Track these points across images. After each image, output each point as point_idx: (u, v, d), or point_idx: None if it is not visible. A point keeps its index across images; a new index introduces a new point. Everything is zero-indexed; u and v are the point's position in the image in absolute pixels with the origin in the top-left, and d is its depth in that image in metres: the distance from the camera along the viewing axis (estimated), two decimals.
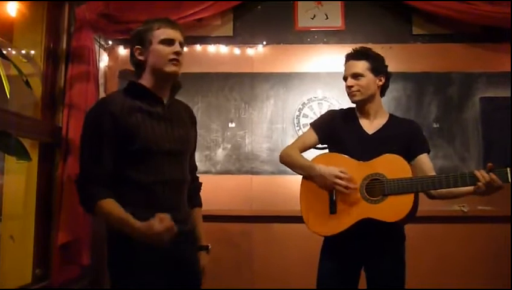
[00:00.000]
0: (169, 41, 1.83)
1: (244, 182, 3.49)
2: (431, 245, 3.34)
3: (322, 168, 2.14)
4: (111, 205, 1.69)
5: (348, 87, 2.22)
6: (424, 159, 2.19)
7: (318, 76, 3.56)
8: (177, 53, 1.83)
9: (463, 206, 3.32)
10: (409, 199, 1.99)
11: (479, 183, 1.88)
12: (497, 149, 3.41)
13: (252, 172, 3.50)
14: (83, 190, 1.74)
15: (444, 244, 3.35)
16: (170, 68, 1.82)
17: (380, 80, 2.23)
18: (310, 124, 2.38)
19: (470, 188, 1.96)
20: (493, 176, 1.86)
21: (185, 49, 3.41)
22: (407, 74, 3.54)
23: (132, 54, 1.89)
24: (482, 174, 1.88)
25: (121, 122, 1.75)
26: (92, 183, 1.72)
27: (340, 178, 2.08)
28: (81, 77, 3.17)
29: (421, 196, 2.12)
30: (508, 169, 1.86)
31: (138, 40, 1.86)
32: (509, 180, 1.85)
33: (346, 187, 2.07)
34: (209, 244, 2.08)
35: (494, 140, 3.44)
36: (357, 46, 2.36)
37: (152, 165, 1.79)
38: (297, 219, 2.26)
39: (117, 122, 1.74)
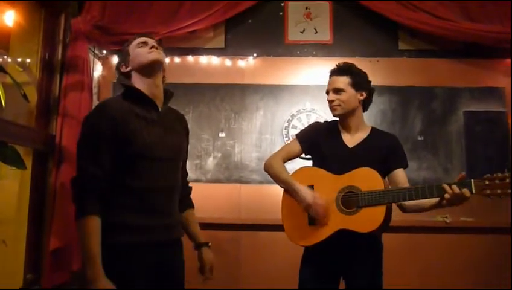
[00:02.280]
0: (143, 43, 1.95)
1: (233, 191, 3.56)
2: (413, 255, 3.41)
3: (301, 190, 2.21)
4: (92, 229, 1.70)
5: (329, 102, 2.31)
6: (399, 173, 2.27)
7: (307, 88, 3.65)
8: (152, 47, 1.93)
9: (445, 217, 3.40)
10: (381, 210, 2.08)
11: (446, 195, 1.96)
12: (480, 161, 3.51)
13: (241, 181, 3.57)
14: (77, 194, 1.76)
15: (427, 254, 3.42)
16: (150, 56, 1.91)
17: (361, 95, 2.31)
18: (295, 135, 2.46)
19: (436, 200, 2.05)
20: (456, 189, 1.94)
21: (178, 59, 3.59)
22: (393, 87, 3.64)
23: (120, 74, 1.99)
24: (447, 187, 1.96)
25: (120, 126, 1.79)
26: (87, 190, 1.74)
27: (311, 206, 2.16)
28: (76, 87, 3.25)
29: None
30: (472, 181, 1.94)
31: (121, 60, 2.00)
32: (473, 191, 1.93)
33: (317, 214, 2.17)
34: (209, 242, 2.14)
35: (477, 152, 3.53)
36: (345, 59, 2.44)
37: (145, 170, 1.83)
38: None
39: (116, 127, 1.78)
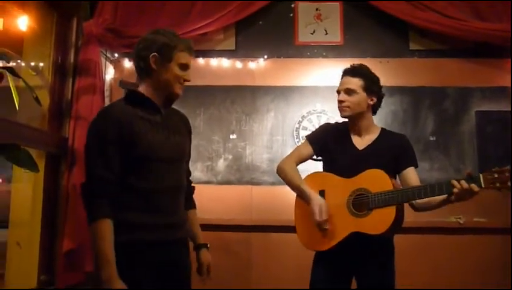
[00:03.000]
0: (185, 67, 1.94)
1: (245, 192, 3.56)
2: (427, 256, 3.39)
3: (312, 199, 2.21)
4: (105, 231, 1.73)
5: (339, 102, 2.30)
6: (410, 172, 2.26)
7: (317, 90, 3.64)
8: (187, 80, 1.96)
9: (459, 217, 3.37)
10: (391, 211, 2.07)
11: (455, 190, 1.94)
12: (492, 161, 3.46)
13: (252, 182, 3.57)
14: (88, 199, 1.79)
15: (440, 255, 3.39)
16: (179, 90, 1.94)
17: (371, 100, 2.30)
18: (306, 136, 2.47)
19: (445, 197, 2.04)
20: (465, 185, 1.93)
21: None
22: (404, 87, 3.62)
23: (143, 59, 1.90)
24: (456, 183, 1.95)
25: (125, 129, 1.81)
26: (97, 194, 1.77)
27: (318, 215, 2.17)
28: (88, 90, 3.28)
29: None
30: (481, 174, 1.93)
31: (158, 50, 1.89)
32: (482, 185, 1.92)
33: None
34: (208, 243, 2.15)
35: (489, 152, 3.51)
36: (356, 60, 2.44)
37: (150, 171, 1.85)
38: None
39: (122, 130, 1.81)
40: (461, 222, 3.38)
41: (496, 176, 1.91)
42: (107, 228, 1.74)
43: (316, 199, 2.20)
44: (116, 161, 1.80)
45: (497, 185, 1.90)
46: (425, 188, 2.04)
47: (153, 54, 1.89)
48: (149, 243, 1.82)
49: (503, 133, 3.49)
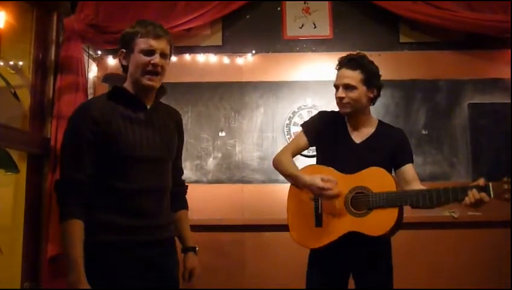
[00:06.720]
0: (149, 52, 1.79)
1: (235, 191, 3.48)
2: (421, 251, 3.35)
3: (309, 179, 2.09)
4: (74, 233, 1.69)
5: (339, 98, 2.15)
6: (408, 168, 2.17)
7: (307, 84, 3.58)
8: (155, 65, 1.79)
9: (453, 212, 3.33)
10: (393, 212, 1.99)
11: (467, 199, 1.88)
12: (486, 154, 3.45)
13: (243, 181, 3.49)
14: (60, 198, 1.75)
15: (434, 250, 3.36)
16: (145, 82, 1.80)
17: (372, 92, 2.17)
18: (301, 125, 2.35)
19: None
20: (476, 195, 1.86)
21: (174, 58, 3.51)
22: (396, 81, 3.56)
23: (118, 57, 1.89)
24: (468, 197, 1.88)
25: (101, 127, 1.74)
26: (70, 194, 1.71)
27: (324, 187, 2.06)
28: (70, 88, 3.18)
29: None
30: (490, 184, 1.86)
31: (123, 43, 1.85)
32: (492, 195, 1.85)
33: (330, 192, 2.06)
34: (196, 246, 2.07)
35: (483, 145, 3.47)
36: (345, 54, 2.32)
37: (131, 171, 1.78)
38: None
39: (97, 127, 1.73)
40: (455, 216, 3.34)
41: (506, 187, 1.84)
42: (76, 229, 1.69)
43: (313, 178, 2.07)
44: (89, 161, 1.74)
45: (506, 196, 1.83)
46: (430, 193, 1.97)
47: (121, 50, 1.85)
48: (124, 244, 1.76)
49: (496, 125, 3.46)
